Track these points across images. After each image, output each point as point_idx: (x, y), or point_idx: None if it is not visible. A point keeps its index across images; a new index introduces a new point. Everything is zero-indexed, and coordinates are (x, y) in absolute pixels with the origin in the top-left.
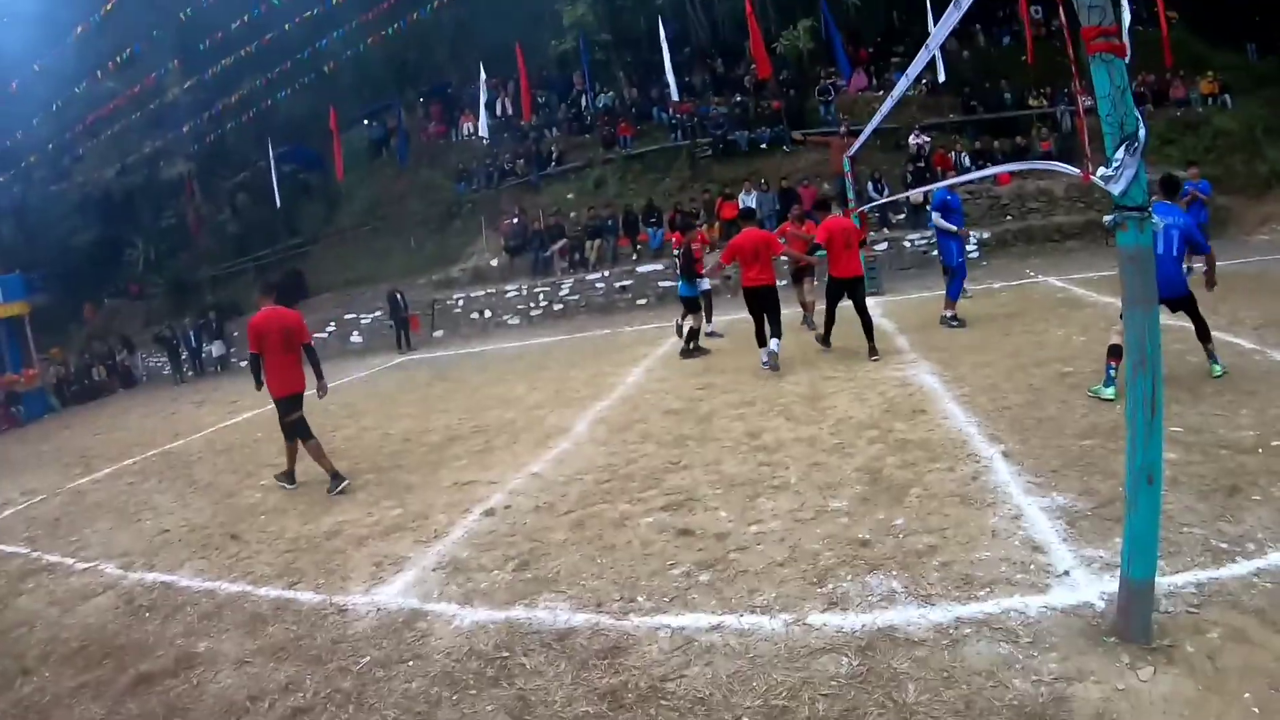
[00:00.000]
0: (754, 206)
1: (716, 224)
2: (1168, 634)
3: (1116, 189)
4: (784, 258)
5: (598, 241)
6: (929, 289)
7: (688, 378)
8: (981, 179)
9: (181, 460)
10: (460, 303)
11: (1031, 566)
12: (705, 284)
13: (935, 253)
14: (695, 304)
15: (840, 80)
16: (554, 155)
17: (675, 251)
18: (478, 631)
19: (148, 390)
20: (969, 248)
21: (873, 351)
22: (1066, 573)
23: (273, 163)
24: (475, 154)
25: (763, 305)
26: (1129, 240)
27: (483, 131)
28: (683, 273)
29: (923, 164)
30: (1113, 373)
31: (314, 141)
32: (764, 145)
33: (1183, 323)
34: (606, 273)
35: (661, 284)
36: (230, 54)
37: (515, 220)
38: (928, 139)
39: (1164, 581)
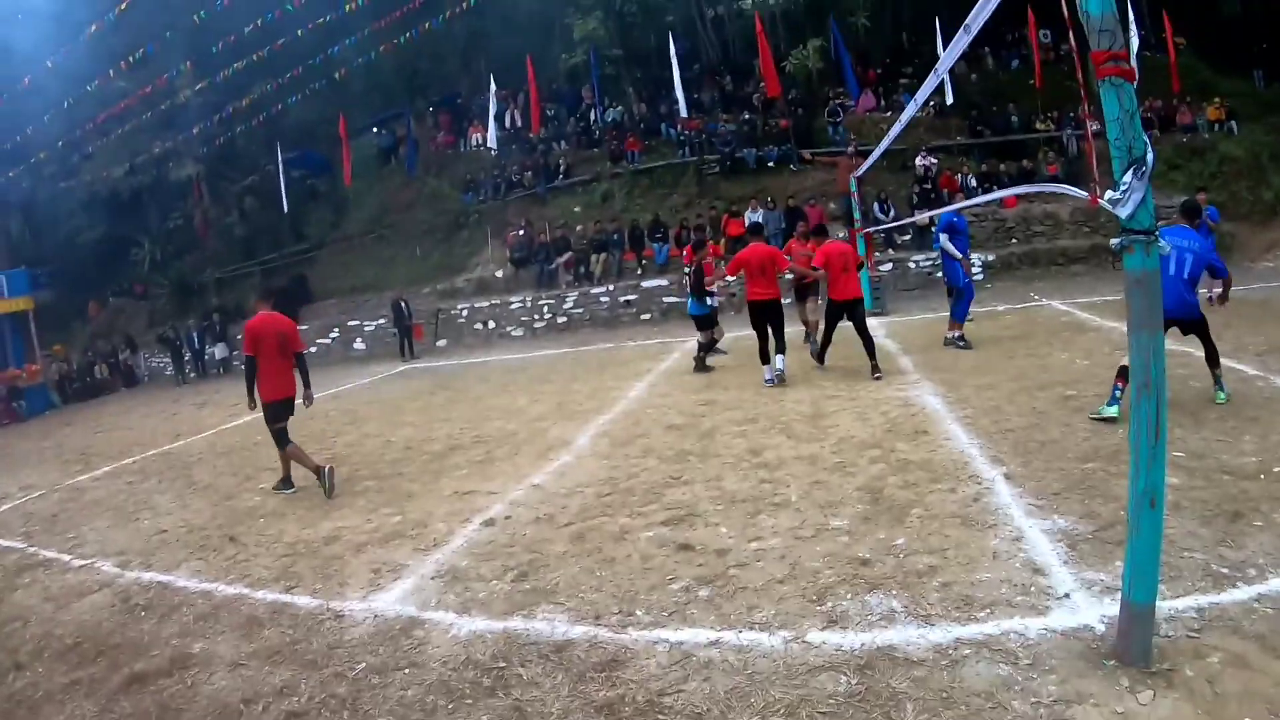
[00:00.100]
0: (759, 224)
1: (722, 240)
2: (1168, 658)
3: (1124, 212)
4: (788, 275)
5: (603, 255)
6: (933, 310)
7: (690, 393)
8: (988, 202)
9: (181, 461)
10: (464, 313)
11: (1032, 588)
12: (712, 302)
13: (940, 274)
14: (705, 321)
15: (848, 100)
16: (562, 168)
17: (686, 269)
18: (475, 641)
19: (149, 390)
20: (974, 271)
21: (875, 370)
22: (1067, 595)
23: (281, 167)
24: (483, 165)
25: (767, 319)
26: (1135, 263)
27: (491, 142)
28: (693, 290)
29: (929, 185)
30: (1118, 393)
31: (323, 147)
32: (771, 163)
33: (1185, 347)
34: (611, 287)
35: (666, 299)
36: (242, 57)
37: (521, 232)
38: (934, 161)
39: (1164, 605)
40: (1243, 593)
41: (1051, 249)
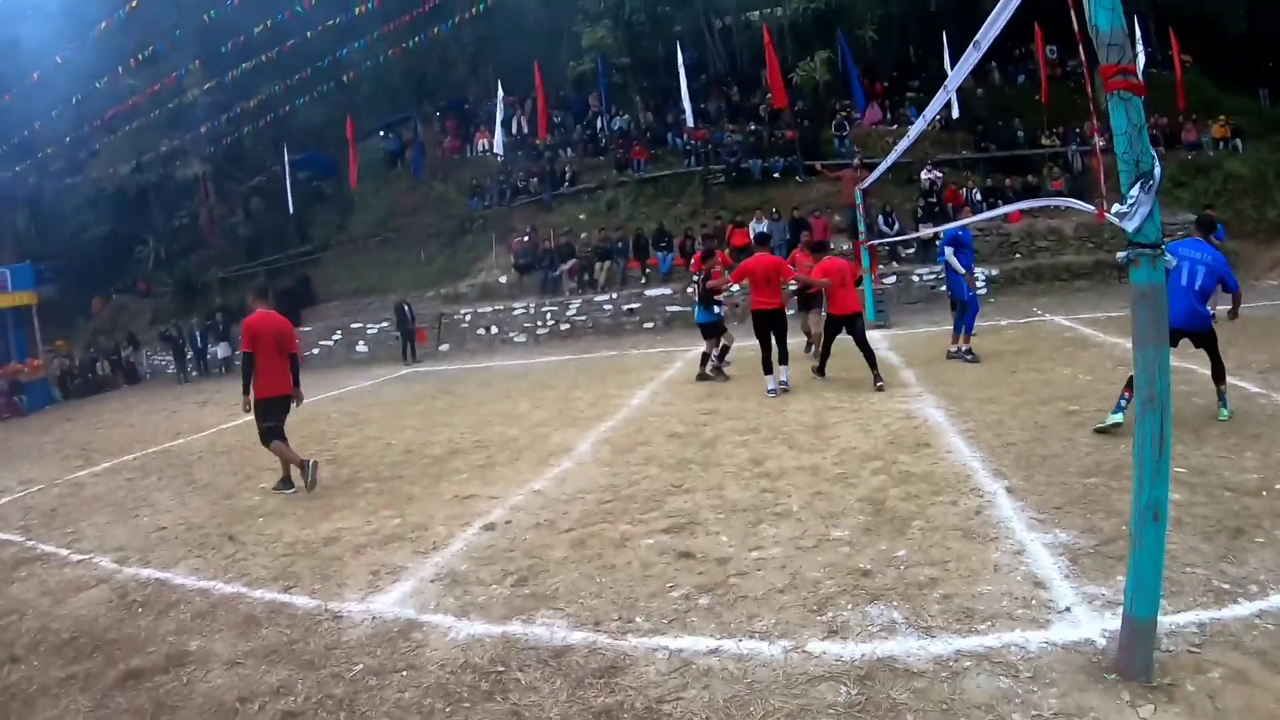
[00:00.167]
0: (766, 234)
1: (726, 250)
2: (1169, 673)
3: (1131, 226)
4: (793, 285)
5: (607, 263)
6: (935, 324)
7: (692, 402)
8: (994, 217)
9: (182, 459)
10: (467, 318)
11: (1033, 602)
12: (720, 311)
13: (944, 288)
14: (711, 329)
15: (855, 113)
16: (567, 175)
17: (695, 276)
18: (473, 645)
19: (151, 388)
20: (978, 287)
21: (877, 379)
22: (1068, 609)
23: (288, 168)
24: (489, 170)
25: (771, 328)
26: (1142, 277)
27: (498, 148)
28: (701, 299)
29: (934, 199)
30: (1124, 402)
31: (330, 149)
32: (777, 174)
33: (1189, 364)
34: (615, 295)
35: (669, 308)
36: (251, 58)
37: (526, 238)
38: (940, 174)
39: (1166, 620)
40: (1244, 609)
41: (1055, 264)
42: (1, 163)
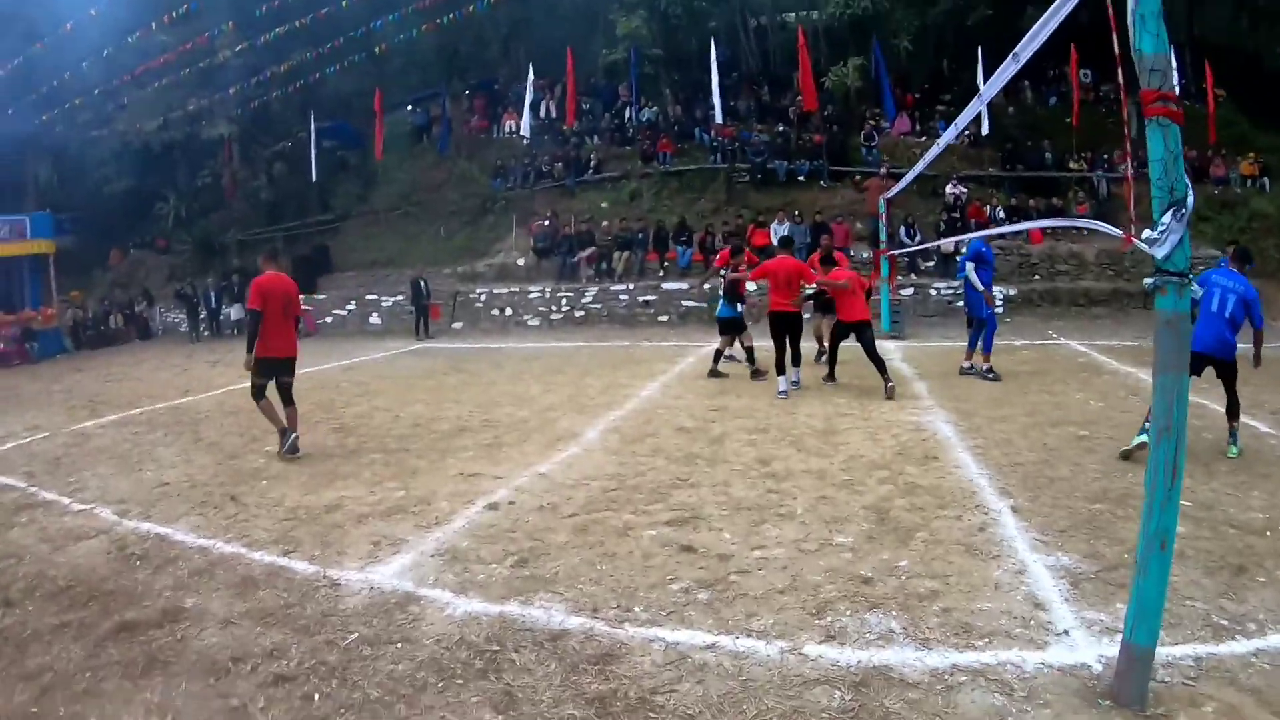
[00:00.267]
0: (789, 236)
1: (746, 249)
2: (1163, 703)
3: (1160, 253)
4: (810, 289)
5: (626, 253)
6: (950, 339)
7: (703, 398)
8: (1015, 234)
9: (189, 416)
10: (483, 297)
11: (1032, 622)
12: (741, 308)
13: (961, 303)
14: (731, 325)
15: (884, 122)
16: (592, 163)
17: (721, 271)
18: (470, 622)
19: (162, 344)
20: (996, 307)
21: (887, 380)
22: (1066, 632)
23: (313, 136)
24: (514, 152)
25: (787, 330)
26: (1167, 305)
27: (524, 131)
28: (726, 294)
29: (957, 214)
30: (1148, 425)
31: (357, 120)
32: (802, 177)
33: (1201, 399)
34: (631, 285)
35: (685, 303)
36: (284, 23)
37: (547, 222)
38: (965, 190)
39: (1163, 651)
40: (1241, 646)
41: (1074, 289)
42: (28, 111)
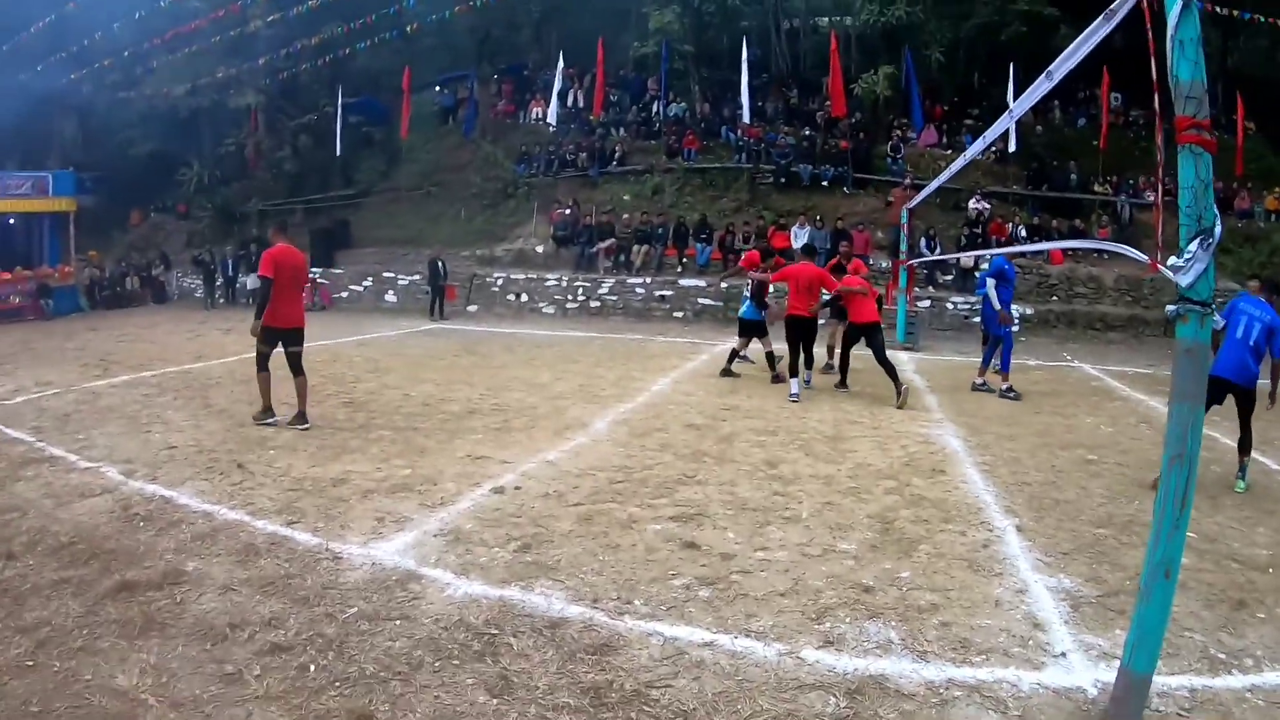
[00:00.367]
0: (813, 244)
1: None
2: None
3: (1185, 280)
4: (828, 295)
5: (645, 247)
6: (964, 353)
7: (714, 396)
8: (1036, 253)
9: (200, 382)
10: (499, 281)
11: (1030, 642)
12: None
13: (977, 319)
14: (753, 328)
15: (910, 133)
16: (617, 154)
17: (750, 273)
18: (470, 604)
19: (177, 309)
20: (1013, 326)
21: (898, 386)
22: (1064, 654)
23: (340, 110)
24: (539, 139)
25: (803, 336)
26: (1188, 333)
27: (551, 118)
28: (753, 296)
29: (979, 229)
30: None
31: (384, 97)
32: (825, 182)
33: (1211, 431)
34: (649, 279)
35: (701, 300)
36: None
37: (568, 211)
38: (988, 206)
39: (1159, 681)
40: (1237, 680)
41: (1091, 312)
42: (57, 70)
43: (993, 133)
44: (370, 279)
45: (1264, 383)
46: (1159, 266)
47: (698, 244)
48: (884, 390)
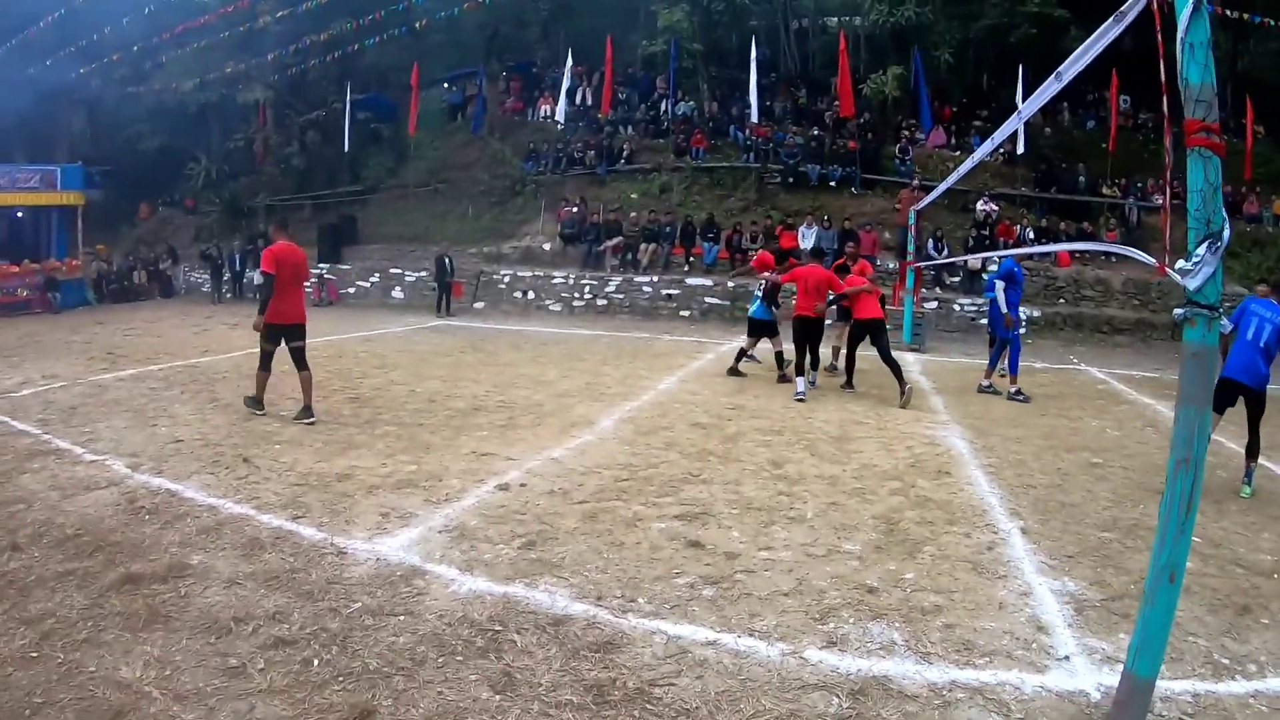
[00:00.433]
0: (821, 246)
1: (792, 258)
2: None
3: (1192, 284)
4: (832, 295)
5: (652, 246)
6: (970, 355)
7: (720, 395)
8: (1044, 255)
9: (206, 376)
10: (506, 279)
11: (1033, 645)
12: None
13: (984, 320)
14: (763, 327)
15: (919, 134)
16: (625, 153)
17: (764, 275)
18: (474, 600)
19: (184, 303)
20: (1019, 329)
21: (903, 385)
22: (1067, 658)
23: (348, 106)
24: (548, 136)
25: (810, 336)
26: (1195, 337)
27: (559, 116)
28: (765, 296)
29: (987, 231)
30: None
31: (392, 93)
32: (833, 183)
33: (1217, 436)
34: (656, 278)
35: (708, 299)
36: None
37: (575, 209)
38: (996, 208)
39: (1162, 685)
40: (1240, 686)
41: (1098, 315)
42: (66, 64)
43: (1001, 134)
44: (377, 275)
45: (1274, 387)
46: (1167, 270)
47: (705, 243)
48: (890, 391)
